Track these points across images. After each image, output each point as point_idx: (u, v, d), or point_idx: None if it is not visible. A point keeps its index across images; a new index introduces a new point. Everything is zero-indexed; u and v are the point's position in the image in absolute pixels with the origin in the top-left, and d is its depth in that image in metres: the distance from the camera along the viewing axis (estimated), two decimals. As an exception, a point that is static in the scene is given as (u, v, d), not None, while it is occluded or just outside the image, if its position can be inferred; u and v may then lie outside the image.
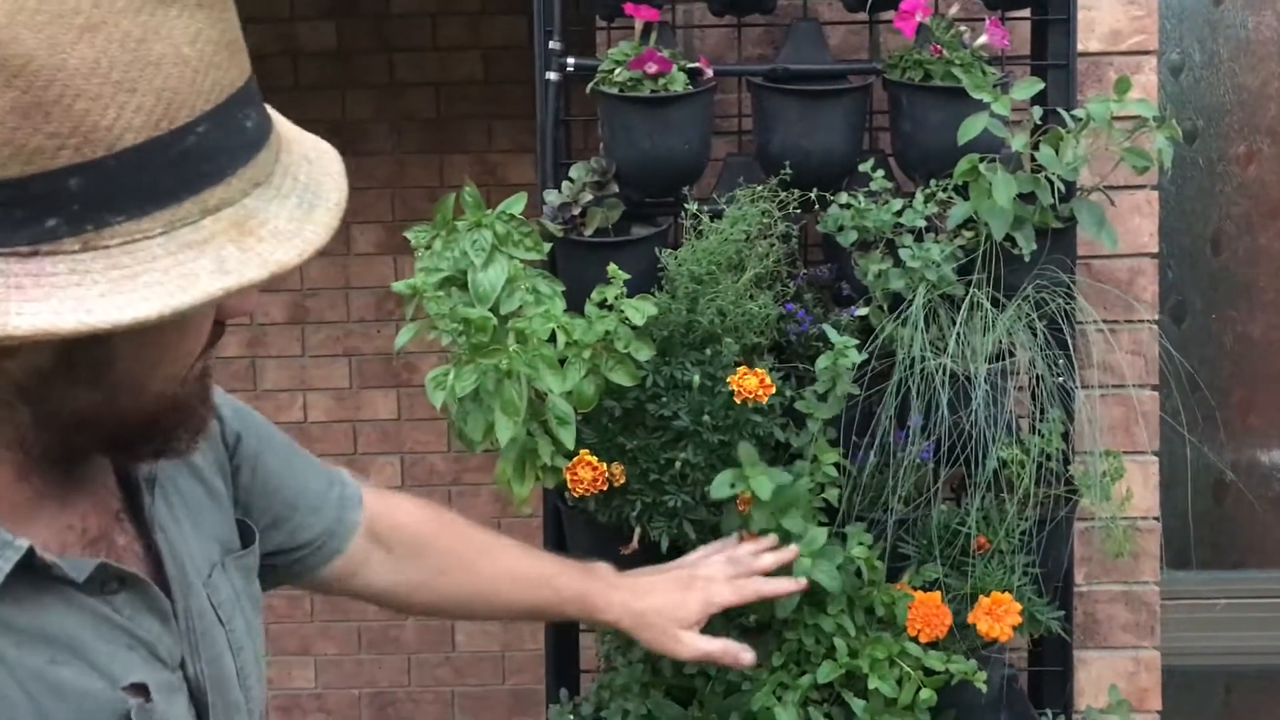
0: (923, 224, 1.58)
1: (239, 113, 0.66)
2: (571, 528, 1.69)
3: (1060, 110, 1.61)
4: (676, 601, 1.33)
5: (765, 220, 1.57)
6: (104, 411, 0.71)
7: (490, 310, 1.33)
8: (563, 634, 1.77)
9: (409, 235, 1.37)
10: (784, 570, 1.41)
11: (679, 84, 1.61)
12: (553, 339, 1.39)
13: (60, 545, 0.74)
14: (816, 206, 1.62)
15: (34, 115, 0.59)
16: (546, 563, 1.33)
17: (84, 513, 0.78)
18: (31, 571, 0.71)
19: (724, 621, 1.57)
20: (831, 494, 1.51)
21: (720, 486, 1.41)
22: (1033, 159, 1.57)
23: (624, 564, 1.57)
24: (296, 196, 0.68)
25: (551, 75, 1.69)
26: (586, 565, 1.36)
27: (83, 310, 0.60)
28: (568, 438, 1.38)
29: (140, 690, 0.76)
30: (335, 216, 0.70)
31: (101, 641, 0.74)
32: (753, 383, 1.42)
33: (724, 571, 1.38)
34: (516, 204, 1.40)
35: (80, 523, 0.77)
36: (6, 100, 0.58)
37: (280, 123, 0.74)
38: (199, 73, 0.63)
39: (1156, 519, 1.87)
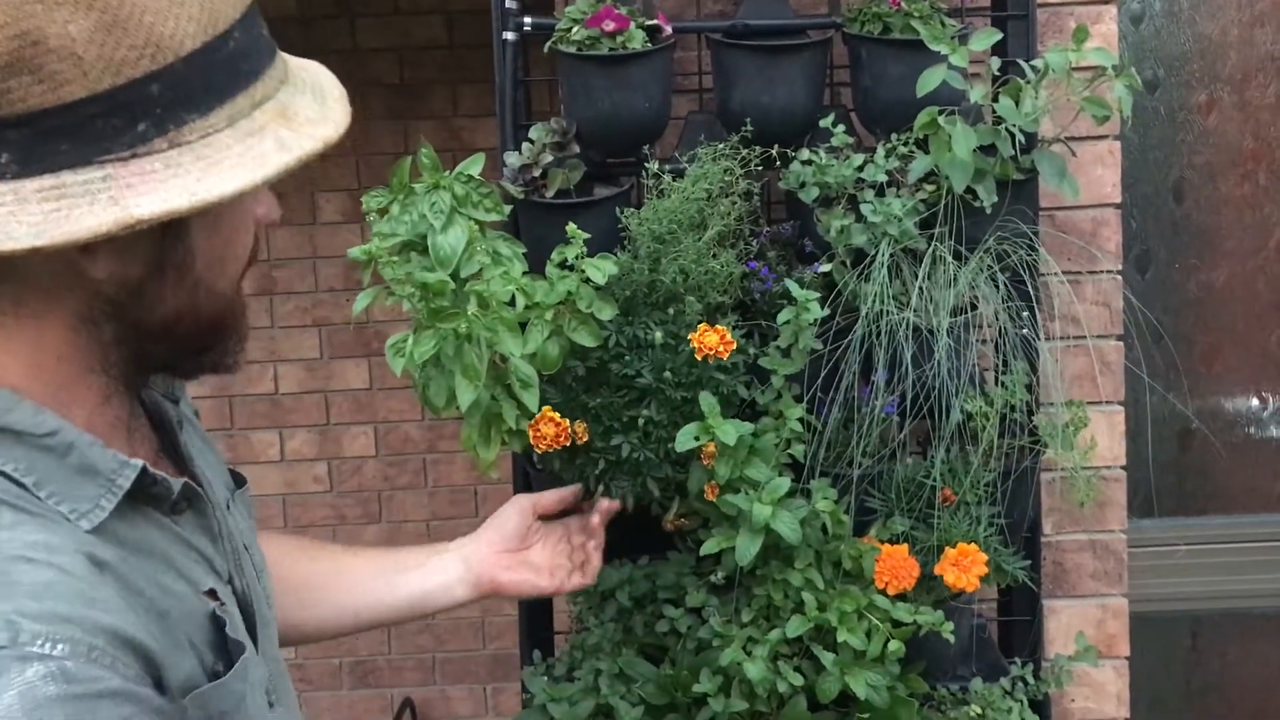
0: (884, 179, 1.58)
1: (256, 21, 0.78)
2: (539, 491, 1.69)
3: (1020, 61, 1.60)
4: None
5: (727, 178, 1.56)
6: (185, 313, 0.80)
7: (450, 274, 1.32)
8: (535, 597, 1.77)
9: (364, 199, 1.36)
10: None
11: (637, 41, 1.59)
12: (514, 302, 1.38)
13: None
14: (778, 163, 1.62)
15: (115, 31, 0.69)
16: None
17: (137, 445, 0.85)
18: (131, 492, 0.79)
19: (694, 579, 1.58)
20: (797, 449, 1.52)
21: (685, 439, 1.42)
22: (993, 110, 1.57)
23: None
24: (310, 92, 0.80)
25: (509, 35, 1.67)
26: None
27: (188, 193, 0.71)
28: (531, 400, 1.38)
29: (213, 596, 0.84)
30: (345, 105, 0.82)
31: (180, 554, 0.82)
32: (713, 339, 1.42)
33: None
34: (474, 165, 1.39)
35: (138, 453, 0.83)
36: (90, 21, 0.68)
37: None
38: None
39: (1123, 468, 1.88)
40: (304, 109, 0.78)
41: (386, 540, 3.57)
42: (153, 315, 0.78)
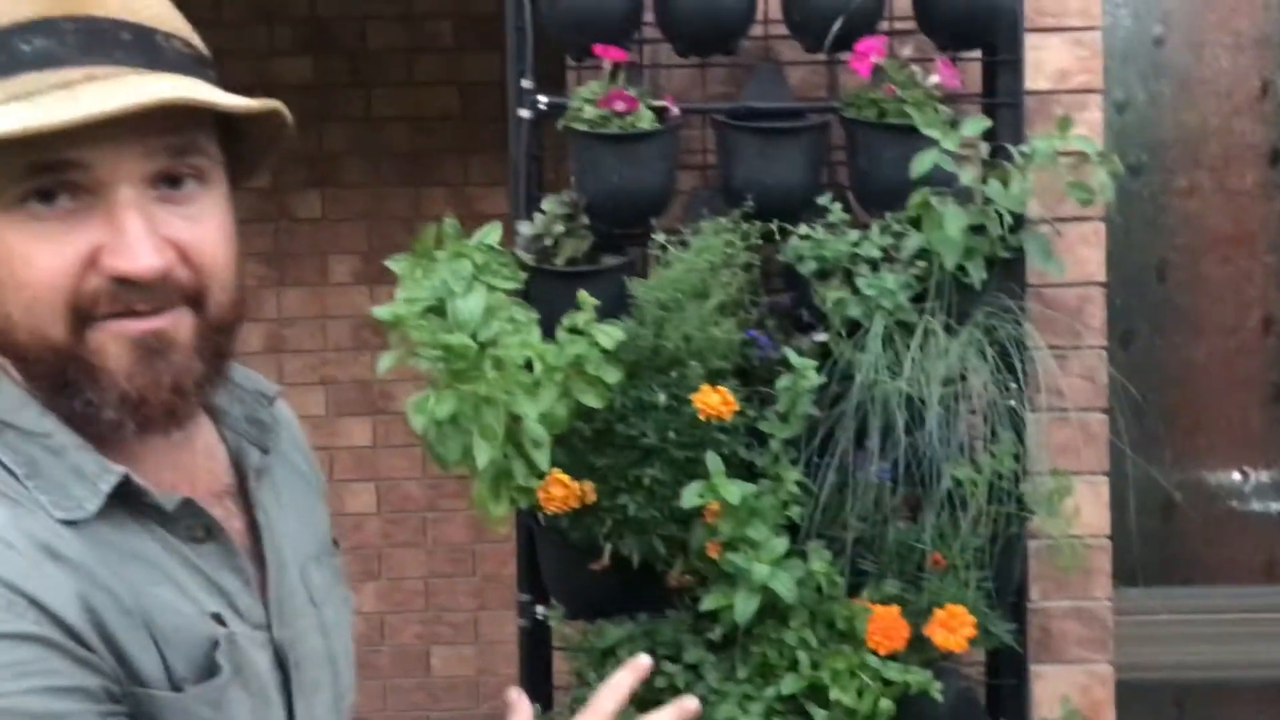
0: (879, 254, 1.66)
1: (16, 38, 0.76)
2: (544, 548, 1.75)
3: (1008, 146, 1.69)
4: None
5: (729, 251, 1.64)
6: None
7: (470, 337, 1.39)
8: (536, 652, 1.82)
9: (391, 264, 1.44)
10: None
11: (646, 121, 1.68)
12: (529, 365, 1.45)
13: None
14: (777, 237, 1.70)
15: None
16: None
17: (193, 481, 0.87)
18: (128, 502, 0.81)
19: (691, 636, 1.63)
20: (794, 511, 1.58)
21: (690, 496, 1.48)
22: (982, 192, 1.65)
23: (596, 580, 1.63)
24: (46, 109, 0.74)
25: (524, 113, 1.77)
26: None
27: None
28: (542, 459, 1.44)
29: (220, 621, 0.83)
30: (40, 118, 0.74)
31: (187, 575, 0.83)
32: (715, 400, 1.49)
33: None
34: (492, 234, 1.47)
35: (189, 489, 0.86)
36: None
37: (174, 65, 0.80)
38: None
39: (1108, 537, 1.94)
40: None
41: (384, 595, 3.61)
42: None
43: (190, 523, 0.84)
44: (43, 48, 0.76)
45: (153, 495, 0.82)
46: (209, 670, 0.81)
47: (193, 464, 0.90)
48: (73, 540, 0.77)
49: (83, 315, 0.78)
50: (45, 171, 0.76)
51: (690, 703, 1.08)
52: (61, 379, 0.79)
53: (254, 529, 0.92)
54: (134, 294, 0.78)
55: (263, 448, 0.95)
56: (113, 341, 0.79)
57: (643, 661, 1.06)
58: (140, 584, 0.79)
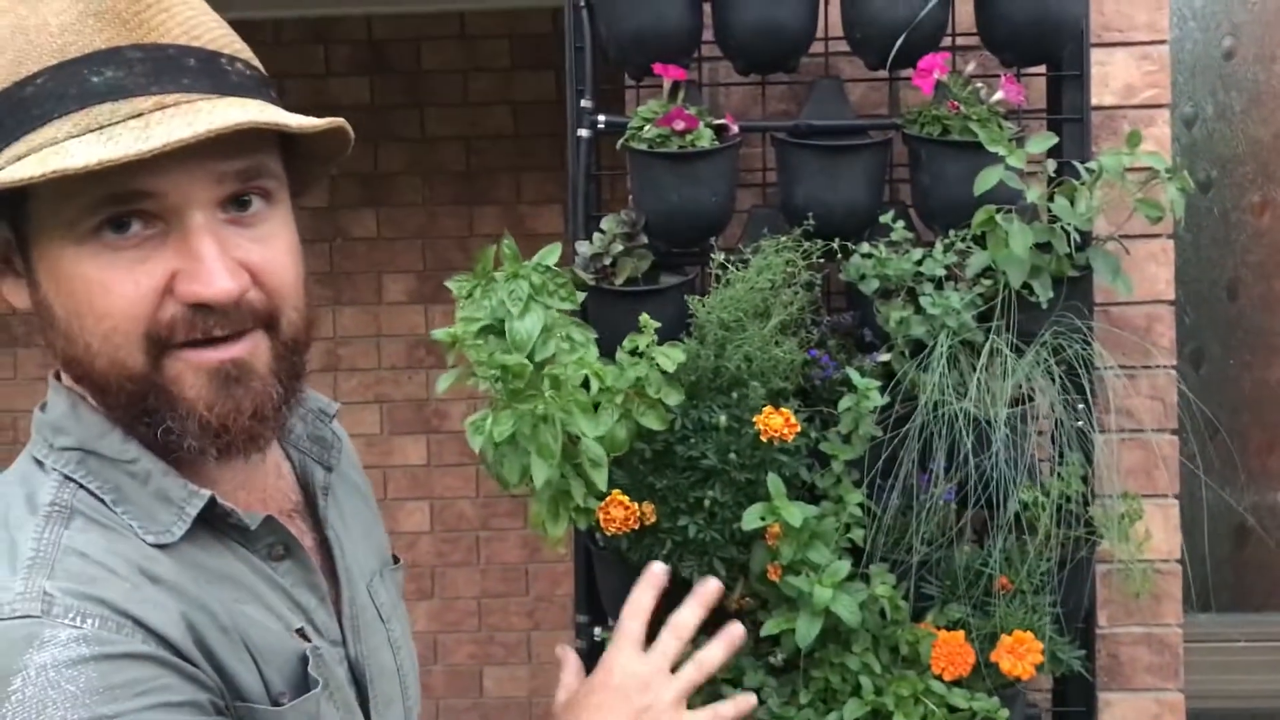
0: (942, 273, 1.63)
1: (86, 69, 0.76)
2: (601, 569, 1.73)
3: (1074, 163, 1.66)
4: None
5: (789, 269, 1.63)
6: (69, 359, 0.80)
7: (526, 357, 1.38)
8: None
9: (450, 285, 1.44)
10: None
11: (705, 140, 1.67)
12: (586, 385, 1.44)
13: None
14: (839, 256, 1.68)
15: None
16: None
17: (265, 500, 0.90)
18: (211, 524, 0.83)
19: (752, 660, 1.61)
20: (856, 534, 1.56)
21: (751, 518, 1.46)
22: (1049, 209, 1.63)
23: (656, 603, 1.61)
24: (121, 140, 0.74)
25: (583, 132, 1.76)
26: None
27: None
28: (600, 479, 1.43)
29: (303, 637, 0.85)
30: (116, 151, 0.74)
31: (271, 593, 0.85)
32: (778, 422, 1.47)
33: None
34: (551, 255, 1.46)
35: (261, 508, 0.88)
36: None
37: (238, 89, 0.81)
38: (54, 35, 0.76)
39: (1178, 561, 1.89)
40: (78, 160, 0.73)
41: (437, 615, 3.61)
42: (57, 351, 0.81)
43: (270, 541, 0.86)
44: (112, 78, 0.76)
45: (238, 515, 0.84)
46: (303, 685, 0.83)
47: (264, 483, 0.91)
48: (165, 562, 0.79)
49: (160, 343, 0.79)
50: (119, 201, 0.77)
51: (750, 699, 1.06)
52: (141, 407, 0.80)
53: (323, 546, 0.93)
54: (211, 318, 0.79)
55: (326, 465, 0.96)
56: (190, 371, 0.80)
57: (656, 570, 1.06)
58: (231, 603, 0.81)
